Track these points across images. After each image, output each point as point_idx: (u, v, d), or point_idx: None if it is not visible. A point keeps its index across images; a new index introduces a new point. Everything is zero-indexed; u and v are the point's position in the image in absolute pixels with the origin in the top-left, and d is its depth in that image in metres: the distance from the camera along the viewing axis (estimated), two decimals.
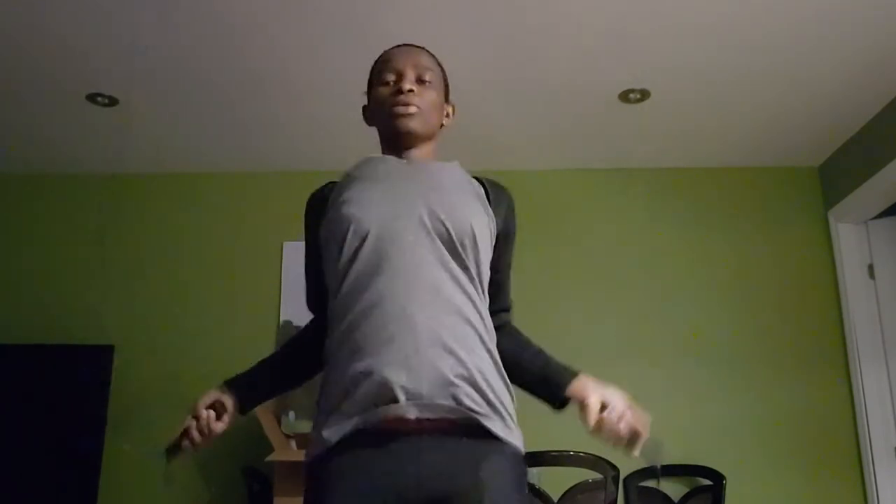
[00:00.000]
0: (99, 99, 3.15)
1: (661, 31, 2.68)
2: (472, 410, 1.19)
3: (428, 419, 1.17)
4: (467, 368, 1.20)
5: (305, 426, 2.90)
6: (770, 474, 3.40)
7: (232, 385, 1.38)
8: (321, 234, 1.36)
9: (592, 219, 3.77)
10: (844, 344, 3.55)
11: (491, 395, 1.22)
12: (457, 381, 1.19)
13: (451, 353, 1.20)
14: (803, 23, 2.63)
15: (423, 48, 1.47)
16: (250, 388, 1.39)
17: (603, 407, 1.26)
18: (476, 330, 1.26)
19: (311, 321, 1.48)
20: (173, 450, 1.31)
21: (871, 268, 3.57)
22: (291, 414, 2.95)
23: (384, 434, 1.17)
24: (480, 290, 1.31)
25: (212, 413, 1.32)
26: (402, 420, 1.17)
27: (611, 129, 3.42)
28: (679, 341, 3.55)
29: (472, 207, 1.32)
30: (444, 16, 2.60)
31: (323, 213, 1.38)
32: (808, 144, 3.58)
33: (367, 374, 1.18)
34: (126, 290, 3.72)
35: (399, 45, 1.47)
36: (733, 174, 3.80)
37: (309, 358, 1.44)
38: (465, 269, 1.28)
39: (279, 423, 3.00)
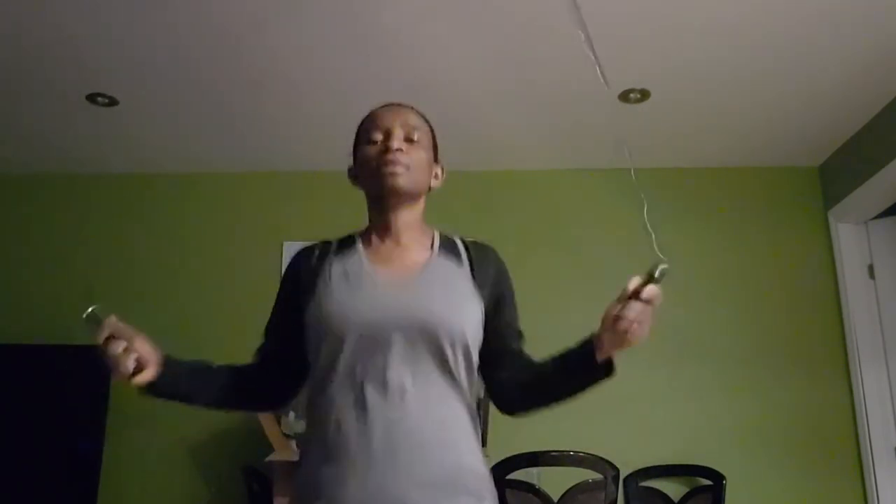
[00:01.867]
0: (99, 99, 3.15)
1: (661, 31, 2.68)
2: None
3: None
4: (453, 485, 1.23)
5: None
6: (770, 474, 3.40)
7: (166, 360, 1.34)
8: (301, 309, 1.35)
9: (592, 219, 3.77)
10: (844, 344, 3.55)
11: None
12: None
13: (434, 469, 1.22)
14: (803, 23, 2.63)
15: (411, 107, 1.44)
16: (171, 380, 1.35)
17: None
18: (462, 435, 1.28)
19: (253, 363, 1.46)
20: (95, 324, 1.27)
21: (871, 268, 3.57)
22: (291, 414, 2.95)
23: None
24: (467, 391, 1.32)
25: (133, 361, 1.28)
26: None
27: (611, 129, 3.42)
28: (679, 341, 3.55)
29: (463, 309, 1.32)
30: (443, 16, 2.60)
31: (306, 289, 1.36)
32: (808, 144, 3.58)
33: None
34: (126, 290, 3.72)
35: (387, 104, 1.44)
36: (733, 174, 3.80)
37: (240, 394, 1.43)
38: (453, 375, 1.29)
39: (279, 423, 3.00)
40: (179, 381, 1.36)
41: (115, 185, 3.88)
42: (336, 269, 1.35)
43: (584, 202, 3.79)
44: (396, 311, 1.27)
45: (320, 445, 1.26)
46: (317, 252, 1.42)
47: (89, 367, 3.41)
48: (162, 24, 2.64)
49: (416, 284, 1.32)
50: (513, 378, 1.40)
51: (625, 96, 3.12)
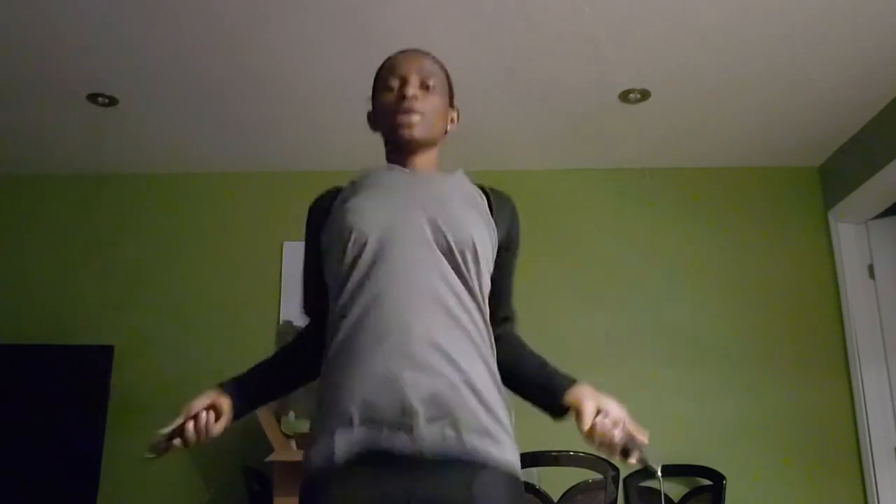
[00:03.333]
0: (99, 99, 3.15)
1: (660, 31, 2.68)
2: (468, 445, 1.18)
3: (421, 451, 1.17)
4: (463, 382, 1.20)
5: (305, 426, 2.90)
6: (770, 474, 3.40)
7: (229, 388, 1.36)
8: (322, 240, 1.37)
9: (592, 219, 3.77)
10: (844, 344, 3.55)
11: (484, 414, 1.21)
12: (452, 399, 1.18)
13: (448, 364, 1.20)
14: (803, 23, 2.63)
15: (427, 53, 1.46)
16: (247, 392, 1.39)
17: (598, 413, 1.26)
18: (474, 342, 1.26)
19: (307, 325, 1.48)
20: (162, 447, 1.29)
21: (871, 268, 3.57)
22: (291, 414, 2.95)
23: (377, 458, 1.17)
24: (480, 302, 1.31)
25: (211, 415, 1.31)
26: (395, 452, 1.17)
27: (611, 129, 3.42)
28: (679, 341, 3.55)
29: (474, 220, 1.33)
30: (443, 15, 2.60)
31: (324, 219, 1.39)
32: (808, 144, 3.58)
33: (362, 395, 1.18)
34: (126, 290, 3.72)
35: (403, 51, 1.46)
36: (733, 174, 3.80)
37: (306, 363, 1.44)
38: (465, 280, 1.28)
39: (279, 423, 3.00)
40: (255, 396, 1.41)
41: (116, 185, 3.88)
42: (350, 193, 1.38)
43: (584, 202, 3.79)
44: (412, 215, 1.28)
45: (339, 355, 1.24)
46: (330, 195, 1.45)
47: (89, 367, 3.41)
48: (162, 25, 2.64)
49: (432, 192, 1.34)
50: (496, 345, 1.38)
51: (625, 96, 3.12)
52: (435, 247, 1.27)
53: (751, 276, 3.66)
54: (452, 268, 1.27)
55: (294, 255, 3.66)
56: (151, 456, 1.30)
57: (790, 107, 3.23)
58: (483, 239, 1.32)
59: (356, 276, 1.26)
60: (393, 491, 1.16)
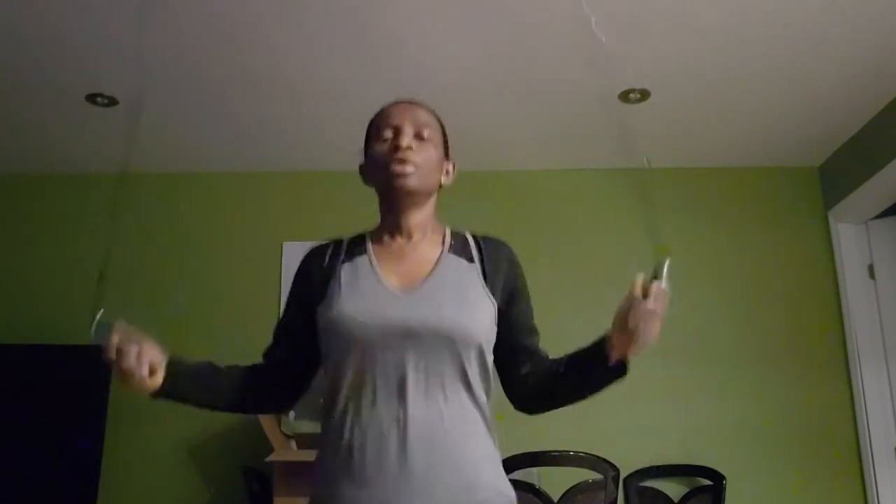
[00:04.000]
0: (99, 99, 3.15)
1: (660, 31, 2.68)
2: None
3: None
4: (468, 487, 1.23)
5: (305, 426, 2.90)
6: (770, 474, 3.40)
7: (170, 367, 1.33)
8: (313, 307, 1.36)
9: (592, 219, 3.77)
10: (844, 344, 3.55)
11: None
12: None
13: (449, 473, 1.22)
14: (803, 23, 2.63)
15: (421, 104, 1.43)
16: (179, 383, 1.34)
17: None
18: (476, 440, 1.28)
19: (263, 364, 1.46)
20: (104, 335, 1.27)
21: (871, 268, 3.57)
22: (291, 414, 2.95)
23: None
24: (482, 395, 1.31)
25: (146, 370, 1.27)
26: None
27: (611, 129, 3.42)
28: (679, 341, 3.55)
29: (475, 311, 1.31)
30: (443, 15, 2.60)
31: (318, 290, 1.36)
32: (808, 144, 3.58)
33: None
34: (126, 290, 3.71)
35: (397, 102, 1.43)
36: (733, 174, 3.80)
37: (246, 396, 1.42)
38: (468, 380, 1.28)
39: (279, 423, 3.00)
40: (187, 384, 1.36)
41: (116, 185, 3.88)
42: (346, 272, 1.35)
43: (584, 202, 3.79)
44: (407, 318, 1.26)
45: (334, 455, 1.26)
46: (328, 253, 1.41)
47: (89, 367, 3.40)
48: (162, 25, 2.64)
49: (426, 289, 1.31)
50: (528, 375, 1.39)
51: (625, 96, 3.12)
52: (434, 350, 1.26)
53: (751, 277, 3.66)
54: (451, 370, 1.27)
55: (294, 255, 3.64)
56: (93, 334, 1.26)
57: (790, 107, 3.23)
58: (487, 330, 1.32)
59: (348, 384, 1.27)
60: None
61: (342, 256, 1.39)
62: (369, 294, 1.31)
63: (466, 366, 1.28)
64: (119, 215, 3.84)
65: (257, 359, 1.48)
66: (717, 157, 3.71)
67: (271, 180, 3.86)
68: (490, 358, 1.34)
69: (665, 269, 1.19)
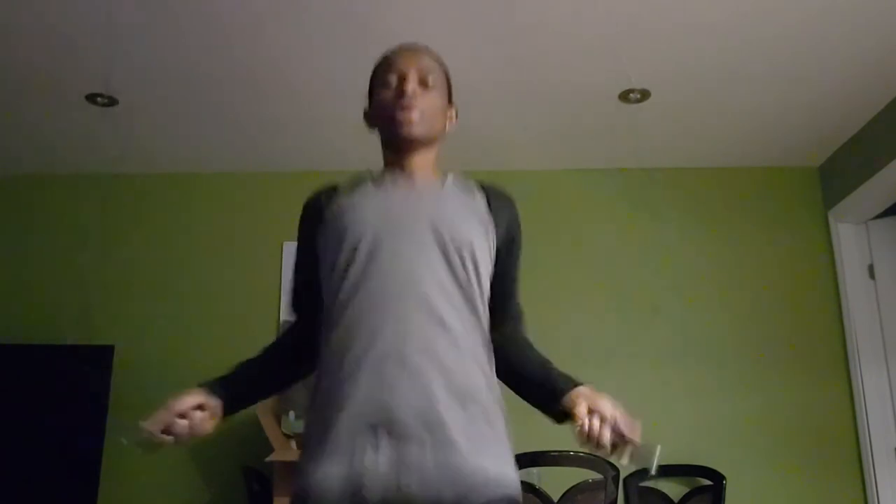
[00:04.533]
0: (99, 99, 3.15)
1: (661, 31, 2.68)
2: (462, 469, 1.16)
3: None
4: (459, 391, 1.19)
5: None
6: (770, 474, 3.39)
7: (218, 390, 1.33)
8: (318, 242, 1.36)
9: (592, 219, 3.77)
10: (844, 344, 3.55)
11: (483, 425, 1.21)
12: (446, 410, 1.17)
13: (443, 373, 1.19)
14: (803, 23, 2.63)
15: (426, 48, 1.43)
16: (236, 392, 1.35)
17: (590, 414, 1.23)
18: (471, 349, 1.25)
19: (295, 322, 1.46)
20: (150, 443, 1.26)
21: (871, 268, 3.57)
22: (291, 414, 2.95)
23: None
24: (478, 306, 1.29)
25: (204, 414, 1.29)
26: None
27: (611, 129, 3.42)
28: (679, 341, 3.55)
29: (471, 225, 1.31)
30: (443, 15, 2.60)
31: (320, 218, 1.37)
32: (808, 144, 3.58)
33: (354, 410, 1.17)
34: (126, 290, 3.72)
35: (401, 46, 1.43)
36: (733, 174, 3.80)
37: (295, 361, 1.43)
38: (462, 284, 1.27)
39: (279, 423, 3.00)
40: (243, 395, 1.39)
41: (115, 185, 3.88)
42: (346, 197, 1.36)
43: (584, 202, 3.79)
44: (409, 216, 1.28)
45: (333, 356, 1.24)
46: (326, 193, 1.42)
47: (89, 367, 3.41)
48: (162, 25, 2.64)
49: (428, 196, 1.34)
50: (501, 348, 1.37)
51: (625, 96, 3.12)
52: (432, 252, 1.26)
53: (751, 276, 3.66)
54: (451, 271, 1.26)
55: (294, 255, 3.66)
56: (140, 450, 1.27)
57: (790, 107, 3.23)
58: (481, 244, 1.30)
59: (352, 280, 1.25)
60: None
61: (341, 191, 1.39)
62: (373, 197, 1.32)
63: (463, 273, 1.26)
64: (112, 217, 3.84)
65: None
66: (717, 157, 3.71)
67: (271, 180, 3.86)
68: (486, 285, 1.32)
69: (656, 459, 1.22)
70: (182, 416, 1.27)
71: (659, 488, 3.34)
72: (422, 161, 1.39)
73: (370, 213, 1.29)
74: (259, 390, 1.43)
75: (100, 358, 3.41)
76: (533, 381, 1.36)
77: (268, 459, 2.85)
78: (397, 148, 1.38)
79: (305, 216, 1.44)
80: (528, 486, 2.69)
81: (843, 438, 3.44)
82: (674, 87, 3.06)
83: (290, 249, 3.69)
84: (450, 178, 1.41)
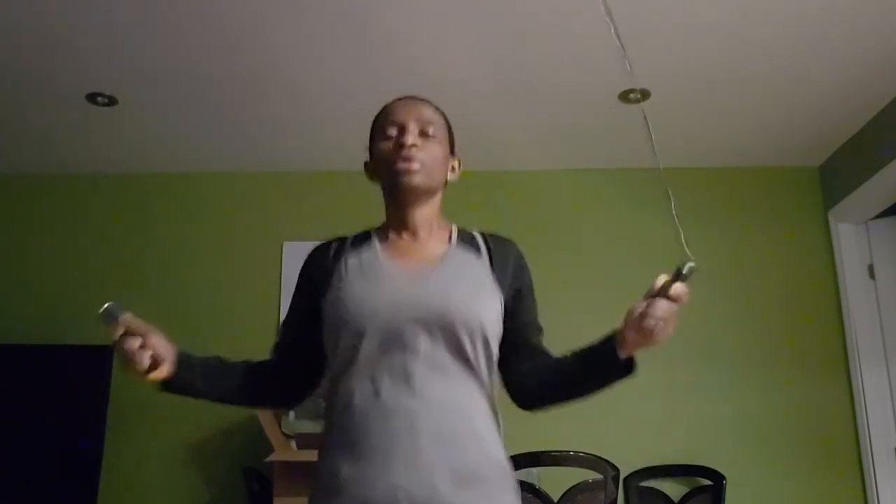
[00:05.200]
0: (99, 99, 3.15)
1: (661, 31, 2.68)
2: None
3: None
4: (464, 476, 1.22)
5: (305, 426, 2.90)
6: (770, 474, 3.40)
7: (180, 358, 1.32)
8: (320, 304, 1.35)
9: (592, 219, 3.77)
10: (844, 344, 3.55)
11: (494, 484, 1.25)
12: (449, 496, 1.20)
13: (447, 460, 1.21)
14: (803, 23, 2.63)
15: (426, 100, 1.43)
16: (185, 375, 1.33)
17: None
18: (480, 424, 1.28)
19: (271, 360, 1.46)
20: (111, 326, 1.26)
21: (871, 268, 3.57)
22: (291, 414, 2.95)
23: None
24: (487, 382, 1.31)
25: (155, 365, 1.27)
26: None
27: (611, 129, 3.42)
28: (679, 341, 3.54)
29: (480, 299, 1.31)
30: (443, 16, 2.60)
31: (323, 282, 1.36)
32: (808, 144, 3.58)
33: (357, 494, 1.20)
34: (126, 290, 3.71)
35: (401, 98, 1.43)
36: (733, 174, 3.80)
37: (256, 391, 1.43)
38: (473, 366, 1.28)
39: (279, 423, 3.00)
40: (195, 378, 1.35)
41: (115, 185, 3.88)
42: (352, 262, 1.35)
43: (584, 202, 3.79)
44: (414, 304, 1.26)
45: (341, 438, 1.25)
46: (332, 249, 1.42)
47: (89, 367, 3.41)
48: (162, 25, 2.64)
49: (433, 276, 1.31)
50: (531, 372, 1.39)
51: (625, 96, 3.12)
52: (439, 338, 1.26)
53: (751, 277, 3.66)
54: (457, 356, 1.27)
55: (294, 255, 3.66)
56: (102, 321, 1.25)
57: (790, 107, 3.23)
58: (491, 319, 1.31)
59: (356, 369, 1.27)
60: None
61: (347, 251, 1.39)
62: (376, 279, 1.31)
63: (471, 354, 1.28)
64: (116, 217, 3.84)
65: (256, 357, 1.48)
66: (717, 156, 3.71)
67: (271, 180, 3.86)
68: (496, 350, 1.33)
69: (686, 270, 1.21)
70: (142, 342, 1.27)
71: (659, 488, 3.35)
72: (424, 213, 1.39)
73: (374, 304, 1.27)
74: (211, 391, 1.39)
75: (100, 358, 3.41)
76: (575, 364, 1.35)
77: (268, 459, 2.85)
78: (399, 200, 1.38)
79: (307, 270, 1.44)
80: (528, 486, 2.69)
81: (843, 438, 3.44)
82: (674, 87, 3.06)
83: (290, 249, 3.69)
84: (454, 235, 1.41)
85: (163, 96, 3.14)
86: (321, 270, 1.39)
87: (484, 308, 1.30)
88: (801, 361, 3.53)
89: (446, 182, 1.43)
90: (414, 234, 1.39)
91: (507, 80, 3.02)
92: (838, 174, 3.62)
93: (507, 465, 1.30)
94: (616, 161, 3.73)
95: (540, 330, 1.45)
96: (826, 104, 3.20)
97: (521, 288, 1.41)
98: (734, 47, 2.78)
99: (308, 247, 1.48)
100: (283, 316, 1.51)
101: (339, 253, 1.39)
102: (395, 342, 1.25)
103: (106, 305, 1.26)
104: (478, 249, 1.40)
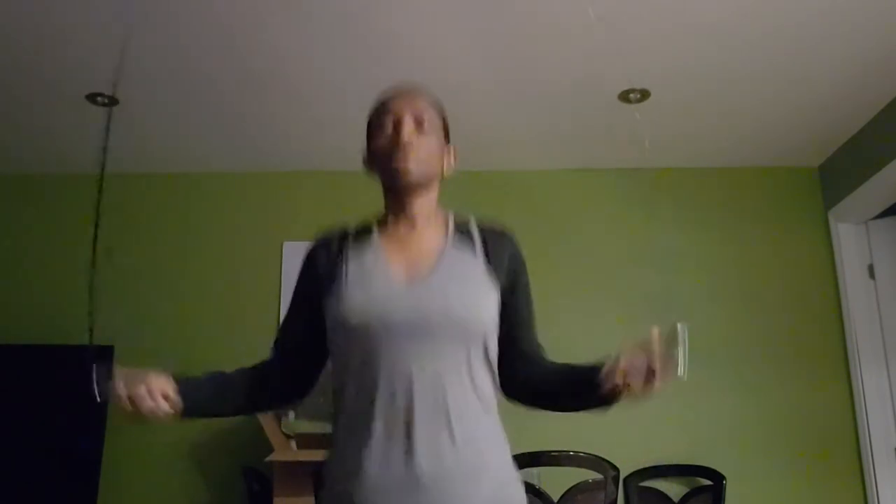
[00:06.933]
0: (99, 99, 3.15)
1: (661, 31, 2.68)
2: None
3: None
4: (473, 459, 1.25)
5: (305, 426, 2.90)
6: (770, 474, 3.39)
7: (186, 389, 1.32)
8: (322, 298, 1.37)
9: (592, 219, 3.77)
10: (844, 344, 3.55)
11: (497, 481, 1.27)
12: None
13: (451, 435, 1.24)
14: (803, 23, 2.63)
15: (421, 91, 1.44)
16: (196, 399, 1.33)
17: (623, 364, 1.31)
18: (482, 430, 1.29)
19: (271, 359, 1.46)
20: (113, 396, 1.25)
21: (871, 268, 3.57)
22: (291, 414, 2.95)
23: None
24: (488, 383, 1.33)
25: (166, 405, 1.27)
26: None
27: (611, 129, 3.42)
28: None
29: (479, 296, 1.33)
30: (444, 16, 2.60)
31: (328, 274, 1.37)
32: (808, 144, 3.58)
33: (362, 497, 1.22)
34: (126, 290, 3.71)
35: (396, 91, 1.43)
36: (733, 174, 3.80)
37: (260, 395, 1.44)
38: (470, 367, 1.29)
39: (279, 423, 3.00)
40: (204, 399, 1.37)
41: (116, 185, 3.88)
42: (353, 263, 1.36)
43: (584, 202, 3.79)
44: (414, 311, 1.27)
45: (343, 450, 1.28)
46: (333, 243, 1.42)
47: (89, 368, 3.41)
48: (162, 25, 2.64)
49: (431, 280, 1.32)
50: (521, 370, 1.40)
51: (625, 96, 3.12)
52: (437, 332, 1.27)
53: (751, 277, 3.66)
54: (455, 350, 1.28)
55: (294, 254, 3.65)
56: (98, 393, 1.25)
57: (790, 107, 3.23)
58: (490, 315, 1.33)
59: (358, 375, 1.28)
60: None
61: (348, 246, 1.40)
62: (376, 286, 1.32)
63: (472, 357, 1.29)
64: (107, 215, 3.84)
65: (257, 358, 1.47)
66: (717, 157, 3.71)
67: (271, 180, 3.86)
68: (494, 349, 1.34)
69: (684, 339, 1.25)
70: (150, 392, 1.26)
71: (659, 488, 3.35)
72: (422, 204, 1.40)
73: (374, 310, 1.28)
74: (217, 410, 1.42)
75: (100, 358, 3.40)
76: (563, 382, 1.39)
77: (268, 459, 2.85)
78: (397, 193, 1.40)
79: (310, 262, 1.44)
80: (528, 486, 2.69)
81: (843, 438, 3.44)
82: (674, 87, 3.06)
83: (290, 249, 3.69)
84: (451, 227, 1.42)
85: (163, 96, 3.14)
86: (323, 269, 1.40)
87: (483, 307, 1.32)
88: (801, 361, 3.53)
89: (443, 172, 1.44)
90: (412, 224, 1.40)
91: (507, 80, 3.02)
92: (838, 174, 3.62)
93: (511, 467, 1.32)
94: (616, 161, 3.73)
95: (533, 327, 1.46)
96: (826, 104, 3.20)
97: (516, 282, 1.42)
98: (734, 47, 2.78)
99: (308, 247, 1.48)
100: (283, 316, 1.51)
101: (340, 249, 1.40)
102: (395, 348, 1.26)
103: (95, 378, 1.27)
104: (473, 243, 1.40)
